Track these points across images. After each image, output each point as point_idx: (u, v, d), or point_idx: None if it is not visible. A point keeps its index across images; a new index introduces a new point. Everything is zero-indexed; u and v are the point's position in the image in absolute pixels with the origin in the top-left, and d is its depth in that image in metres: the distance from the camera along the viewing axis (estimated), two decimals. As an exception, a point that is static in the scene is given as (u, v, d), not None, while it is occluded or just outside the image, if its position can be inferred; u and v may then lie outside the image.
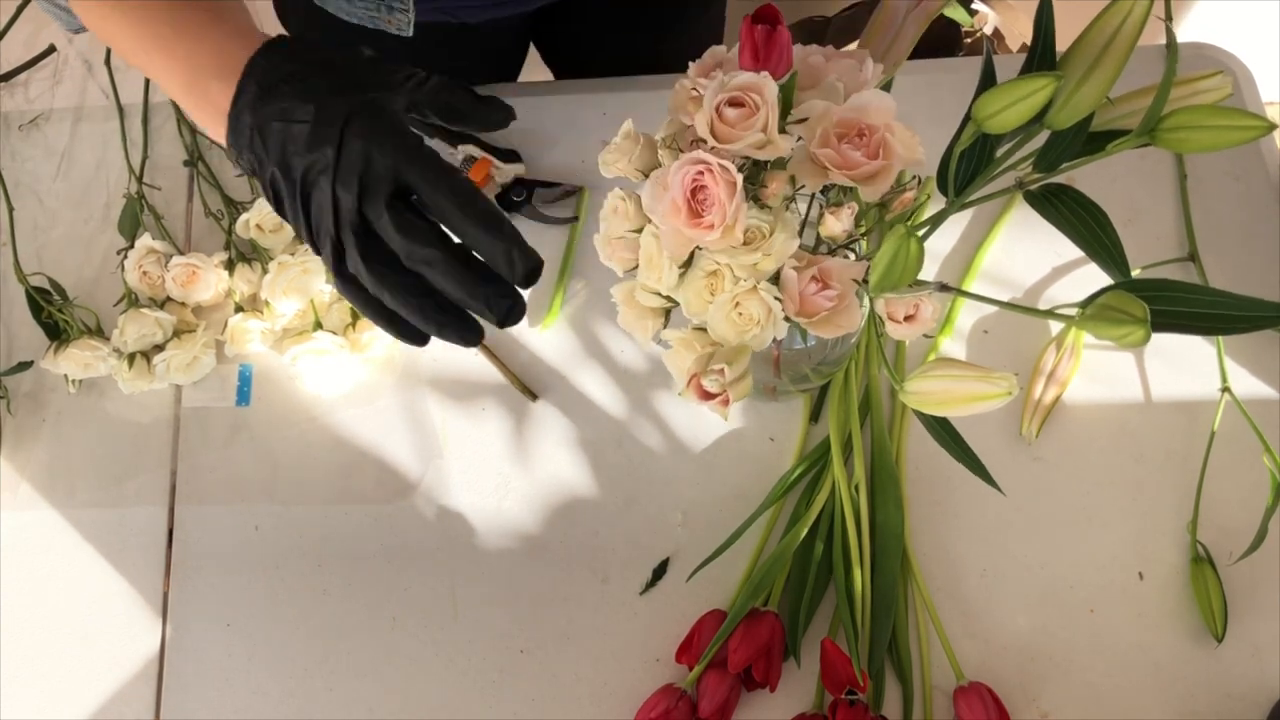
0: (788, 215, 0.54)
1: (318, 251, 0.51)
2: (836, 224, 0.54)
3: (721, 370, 0.54)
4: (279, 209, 0.52)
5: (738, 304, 0.54)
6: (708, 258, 0.54)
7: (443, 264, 0.48)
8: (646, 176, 0.59)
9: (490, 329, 0.52)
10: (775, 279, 0.54)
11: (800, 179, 0.54)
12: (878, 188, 0.53)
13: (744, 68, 0.52)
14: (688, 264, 0.56)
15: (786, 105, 0.54)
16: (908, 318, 0.55)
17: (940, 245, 0.84)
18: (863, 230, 0.57)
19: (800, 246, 0.55)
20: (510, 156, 0.86)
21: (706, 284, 0.55)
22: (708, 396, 0.55)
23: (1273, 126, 0.45)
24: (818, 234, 0.56)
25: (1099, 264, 0.53)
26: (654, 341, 0.61)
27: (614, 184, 0.61)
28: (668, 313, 0.61)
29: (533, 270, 0.49)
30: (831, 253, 0.57)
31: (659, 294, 0.58)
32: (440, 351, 0.82)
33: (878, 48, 0.59)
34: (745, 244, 0.54)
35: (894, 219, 0.56)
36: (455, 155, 0.87)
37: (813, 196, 0.58)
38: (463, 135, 0.87)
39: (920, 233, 0.51)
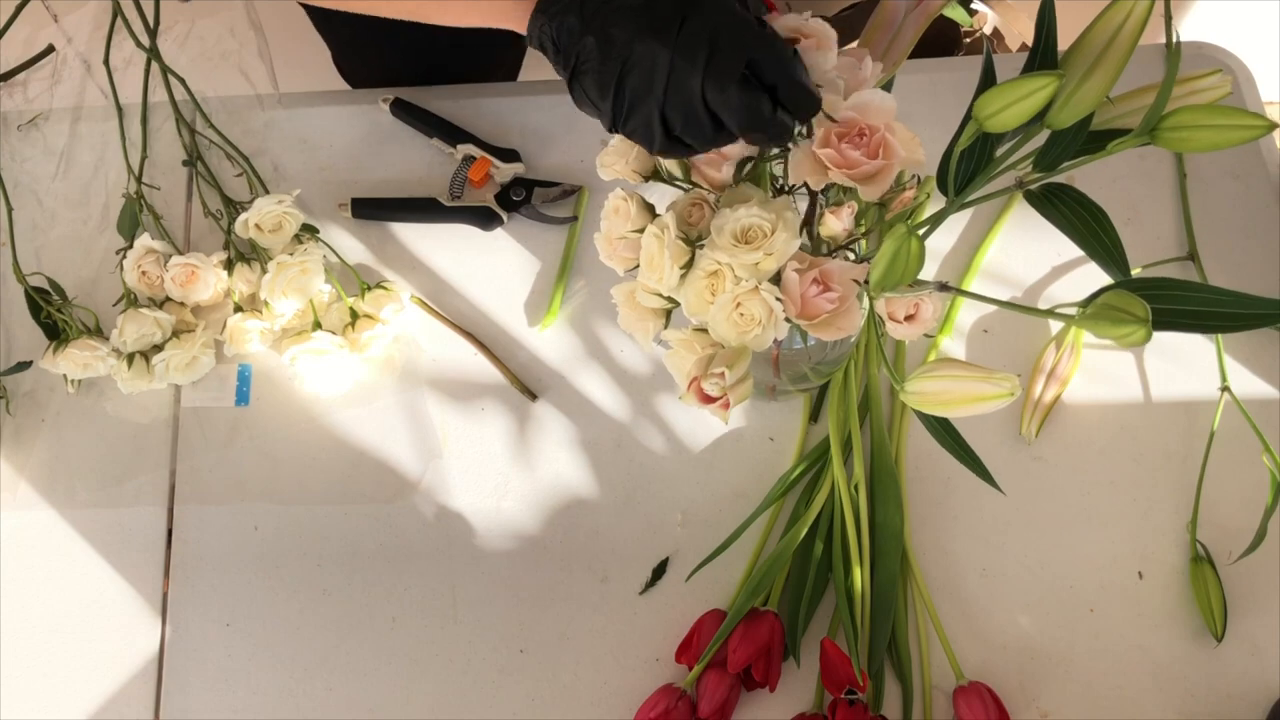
0: (789, 215, 0.54)
1: (617, 121, 0.53)
2: (837, 223, 0.54)
3: (721, 374, 0.54)
4: (574, 81, 0.54)
5: (739, 304, 0.54)
6: (709, 258, 0.54)
7: (770, 125, 0.52)
8: (645, 179, 0.59)
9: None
10: (775, 280, 0.54)
11: (801, 177, 0.54)
12: (877, 188, 0.53)
13: None
14: (689, 265, 0.56)
15: None
16: (908, 317, 0.55)
17: (940, 244, 0.84)
18: (863, 230, 0.57)
19: (800, 247, 0.55)
20: (510, 156, 0.86)
21: (707, 284, 0.55)
22: (708, 400, 0.55)
23: (1273, 126, 0.45)
24: (818, 234, 0.56)
25: (1099, 263, 0.53)
26: (655, 343, 0.61)
27: (613, 184, 0.61)
28: (668, 314, 0.61)
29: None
30: (831, 254, 0.57)
31: (660, 295, 0.58)
32: (440, 351, 0.82)
33: (877, 47, 0.59)
34: (747, 243, 0.54)
35: (894, 218, 0.55)
36: (454, 154, 0.87)
37: (814, 196, 0.58)
38: (462, 135, 0.87)
39: (920, 232, 0.51)
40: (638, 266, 0.58)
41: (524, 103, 0.90)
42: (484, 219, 0.85)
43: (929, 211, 0.83)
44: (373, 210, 0.86)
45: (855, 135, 0.52)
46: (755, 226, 0.54)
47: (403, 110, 0.89)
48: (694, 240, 0.57)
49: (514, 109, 0.89)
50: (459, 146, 0.87)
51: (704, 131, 0.52)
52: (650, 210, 0.58)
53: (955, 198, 0.55)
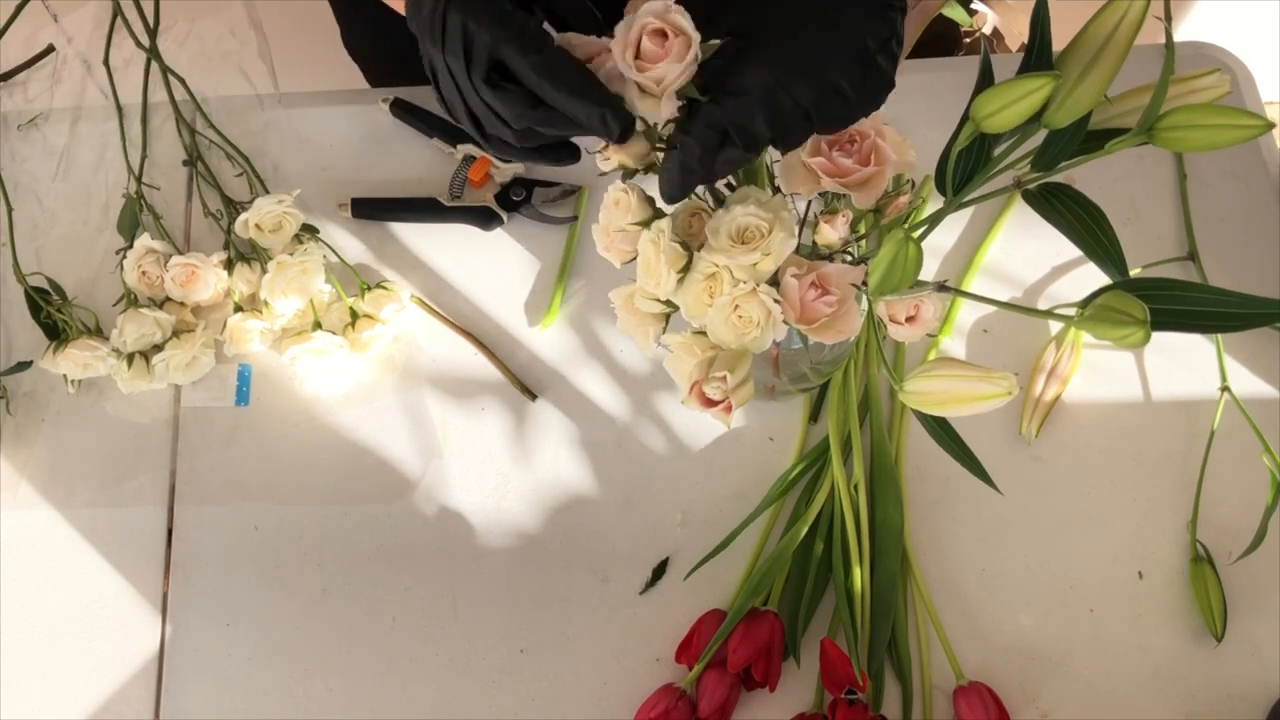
0: (785, 215, 0.54)
1: (474, 131, 0.53)
2: (832, 232, 0.54)
3: (723, 378, 0.54)
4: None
5: (737, 307, 0.54)
6: (706, 260, 0.54)
7: (543, 123, 0.50)
8: (644, 170, 0.59)
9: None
10: (774, 281, 0.54)
11: (793, 186, 0.54)
12: (871, 194, 0.52)
13: None
14: (686, 268, 0.56)
15: None
16: (909, 319, 0.55)
17: (940, 243, 0.84)
18: (859, 234, 0.57)
19: (798, 250, 0.55)
20: None
21: (705, 287, 0.55)
22: (710, 404, 0.55)
23: (1270, 126, 0.45)
24: (814, 240, 0.56)
25: (1097, 263, 0.53)
26: (655, 345, 0.61)
27: (611, 182, 0.61)
28: (667, 317, 0.61)
29: (626, 129, 0.50)
30: (829, 257, 0.56)
31: (658, 299, 0.58)
32: (440, 351, 0.82)
33: None
34: (744, 243, 0.54)
35: (890, 223, 0.55)
36: (454, 154, 0.87)
37: (809, 201, 0.57)
38: (462, 134, 0.87)
39: (918, 233, 0.51)
40: (635, 259, 0.58)
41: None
42: (484, 219, 0.85)
43: (929, 210, 0.83)
44: (373, 210, 0.86)
45: (846, 142, 0.52)
46: (752, 227, 0.54)
47: (403, 110, 0.89)
48: (693, 249, 0.57)
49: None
50: (459, 146, 0.87)
51: (504, 130, 0.51)
52: (651, 203, 0.58)
53: (953, 198, 0.55)
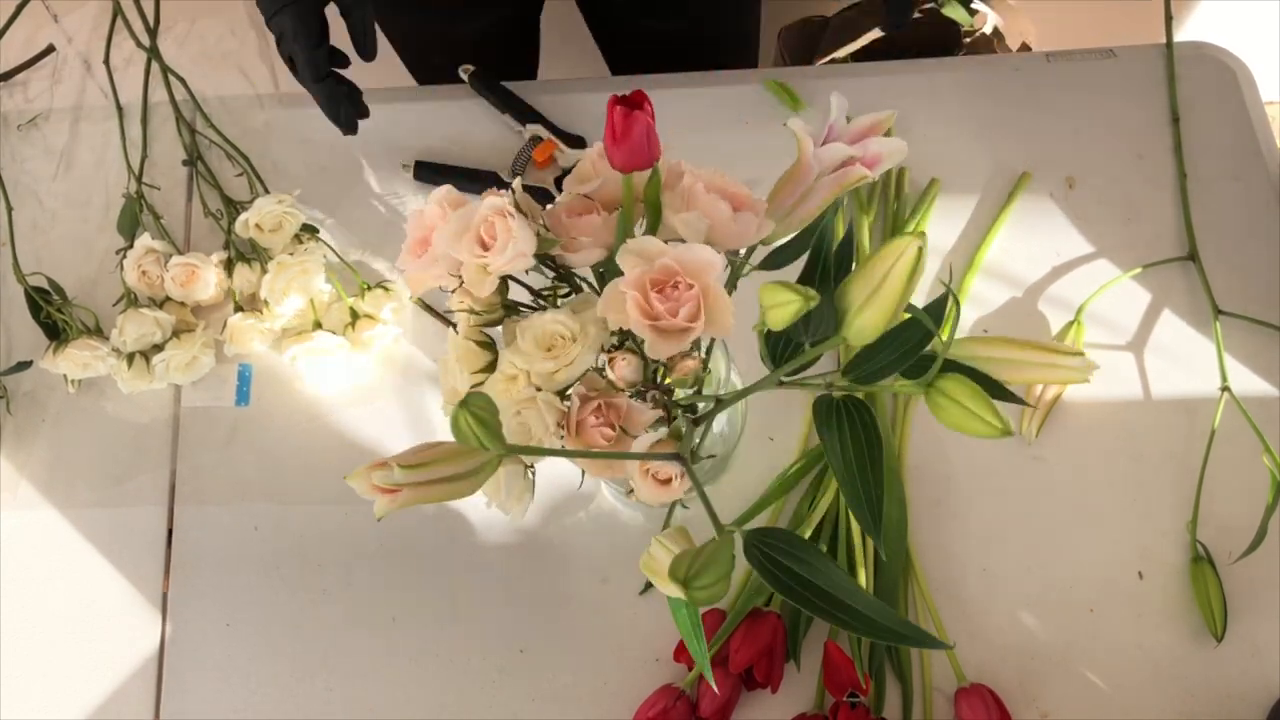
0: (592, 330, 0.52)
1: (269, 16, 0.71)
2: (626, 369, 0.51)
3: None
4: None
5: (519, 412, 0.53)
6: (509, 362, 0.53)
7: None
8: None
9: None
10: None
11: (604, 310, 0.50)
12: (670, 346, 0.49)
13: (607, 144, 0.50)
14: (490, 369, 0.55)
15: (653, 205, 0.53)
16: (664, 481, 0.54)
17: (941, 242, 0.84)
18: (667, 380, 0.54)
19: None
20: (575, 141, 0.87)
21: (505, 389, 0.53)
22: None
23: (1008, 433, 0.44)
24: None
25: (854, 510, 0.51)
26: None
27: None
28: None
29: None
30: (647, 394, 0.54)
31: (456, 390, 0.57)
32: (440, 350, 0.82)
33: (784, 202, 0.55)
34: (547, 350, 0.52)
35: (675, 381, 0.52)
36: (523, 133, 0.88)
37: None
38: (531, 115, 0.87)
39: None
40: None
41: (588, 97, 0.91)
42: (540, 200, 0.85)
43: (931, 215, 0.83)
44: (435, 175, 0.87)
45: (670, 286, 0.49)
46: (558, 335, 0.52)
47: (481, 83, 0.90)
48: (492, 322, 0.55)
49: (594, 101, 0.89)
50: (527, 125, 0.88)
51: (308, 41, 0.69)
52: (491, 347, 0.56)
53: (774, 371, 0.53)
